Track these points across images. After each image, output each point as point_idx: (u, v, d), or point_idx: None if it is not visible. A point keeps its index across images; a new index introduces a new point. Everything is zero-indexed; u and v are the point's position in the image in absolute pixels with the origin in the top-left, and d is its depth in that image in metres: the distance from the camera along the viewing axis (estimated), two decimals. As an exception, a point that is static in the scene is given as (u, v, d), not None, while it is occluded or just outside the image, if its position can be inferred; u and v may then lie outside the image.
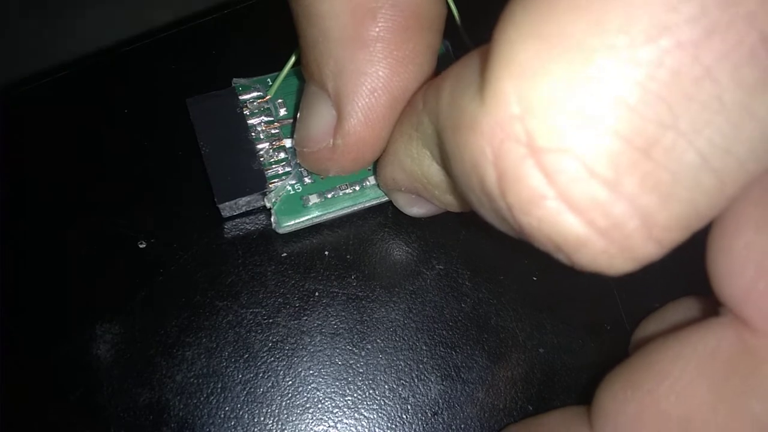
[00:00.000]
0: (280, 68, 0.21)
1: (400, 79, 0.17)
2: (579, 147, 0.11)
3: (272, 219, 0.21)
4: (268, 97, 0.22)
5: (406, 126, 0.17)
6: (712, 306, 0.17)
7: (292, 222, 0.21)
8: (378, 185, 0.21)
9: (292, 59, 0.20)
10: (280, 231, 0.21)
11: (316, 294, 0.21)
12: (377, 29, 0.16)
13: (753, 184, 0.12)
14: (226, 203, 0.20)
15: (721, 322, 0.15)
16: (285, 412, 0.19)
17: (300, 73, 0.22)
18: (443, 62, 0.17)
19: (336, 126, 0.18)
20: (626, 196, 0.11)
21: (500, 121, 0.11)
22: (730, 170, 0.11)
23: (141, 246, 0.20)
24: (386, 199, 0.21)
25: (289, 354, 0.20)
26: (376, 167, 0.20)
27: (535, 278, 0.22)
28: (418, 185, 0.18)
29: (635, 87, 0.10)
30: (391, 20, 0.16)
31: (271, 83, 0.22)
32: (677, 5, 0.10)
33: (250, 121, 0.21)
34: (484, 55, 0.13)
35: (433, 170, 0.17)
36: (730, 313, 0.14)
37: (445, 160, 0.15)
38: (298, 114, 0.19)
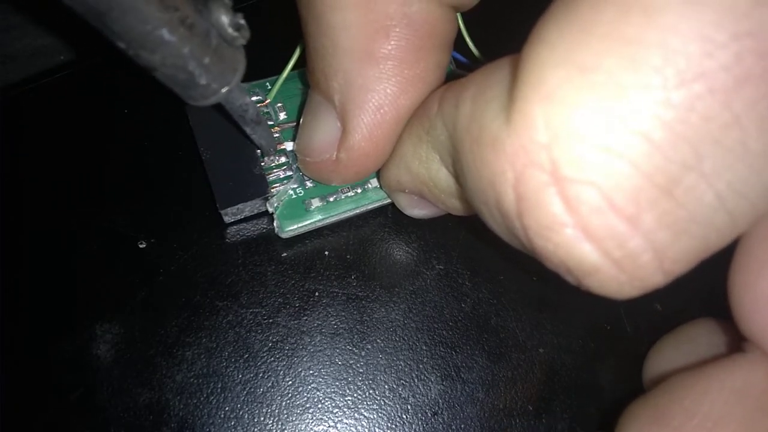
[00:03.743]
0: (279, 70, 0.21)
1: (407, 98, 0.17)
2: (602, 180, 0.11)
3: (275, 224, 0.21)
4: (267, 101, 0.21)
5: (417, 128, 0.17)
6: (732, 335, 0.17)
7: (295, 226, 0.21)
8: (380, 186, 0.21)
9: (292, 62, 0.20)
10: (283, 236, 0.21)
11: (316, 294, 0.21)
12: (389, 47, 0.16)
13: None
14: (228, 209, 0.20)
15: (748, 359, 0.15)
16: (285, 412, 0.19)
17: (300, 76, 0.22)
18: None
19: (341, 140, 0.18)
20: (643, 231, 0.11)
21: (525, 145, 0.12)
22: (742, 211, 0.11)
23: (141, 246, 0.20)
24: (388, 201, 0.21)
25: (289, 354, 0.20)
26: (379, 168, 0.20)
27: (535, 278, 0.22)
28: (424, 188, 0.18)
29: (664, 128, 0.10)
30: (405, 39, 0.16)
31: (270, 87, 0.22)
32: (713, 51, 0.10)
33: (250, 126, 0.21)
34: (511, 67, 0.13)
35: (441, 174, 0.17)
36: (758, 350, 0.15)
37: (457, 169, 0.15)
38: (301, 121, 0.19)
